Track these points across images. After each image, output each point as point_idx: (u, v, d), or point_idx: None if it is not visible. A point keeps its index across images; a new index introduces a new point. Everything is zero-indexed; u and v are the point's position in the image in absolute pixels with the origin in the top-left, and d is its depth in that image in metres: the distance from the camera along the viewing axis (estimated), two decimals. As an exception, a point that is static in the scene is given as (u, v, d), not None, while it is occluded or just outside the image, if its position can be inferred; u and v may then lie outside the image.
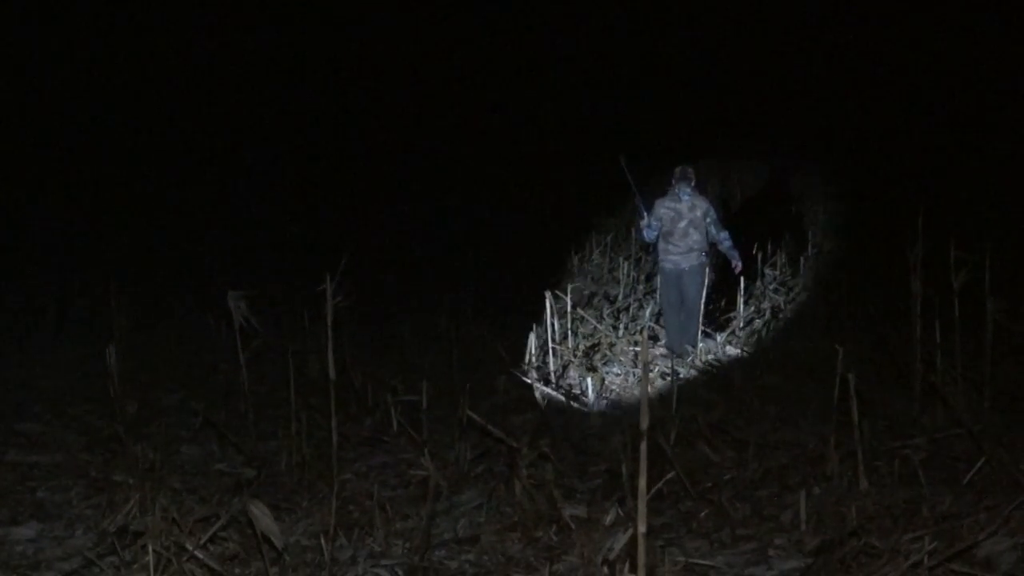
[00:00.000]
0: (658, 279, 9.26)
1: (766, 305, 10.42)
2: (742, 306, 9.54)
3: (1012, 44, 17.60)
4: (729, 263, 9.18)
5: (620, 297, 10.98)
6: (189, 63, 20.85)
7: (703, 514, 5.23)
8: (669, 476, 5.16)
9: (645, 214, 9.01)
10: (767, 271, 11.70)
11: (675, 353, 8.79)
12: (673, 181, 8.96)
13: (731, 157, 17.52)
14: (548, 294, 8.46)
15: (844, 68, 19.98)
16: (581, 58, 21.49)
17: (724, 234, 8.97)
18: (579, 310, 9.52)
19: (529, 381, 7.58)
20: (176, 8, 21.10)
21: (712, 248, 9.15)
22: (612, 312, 10.22)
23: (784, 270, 12.04)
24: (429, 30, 21.92)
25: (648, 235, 9.02)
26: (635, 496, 3.30)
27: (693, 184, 8.94)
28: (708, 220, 8.90)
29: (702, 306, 9.09)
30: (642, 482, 3.11)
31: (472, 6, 21.86)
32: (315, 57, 21.56)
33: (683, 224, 8.89)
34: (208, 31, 21.05)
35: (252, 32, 21.40)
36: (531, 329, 8.08)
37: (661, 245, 9.01)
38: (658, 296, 9.49)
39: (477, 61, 21.53)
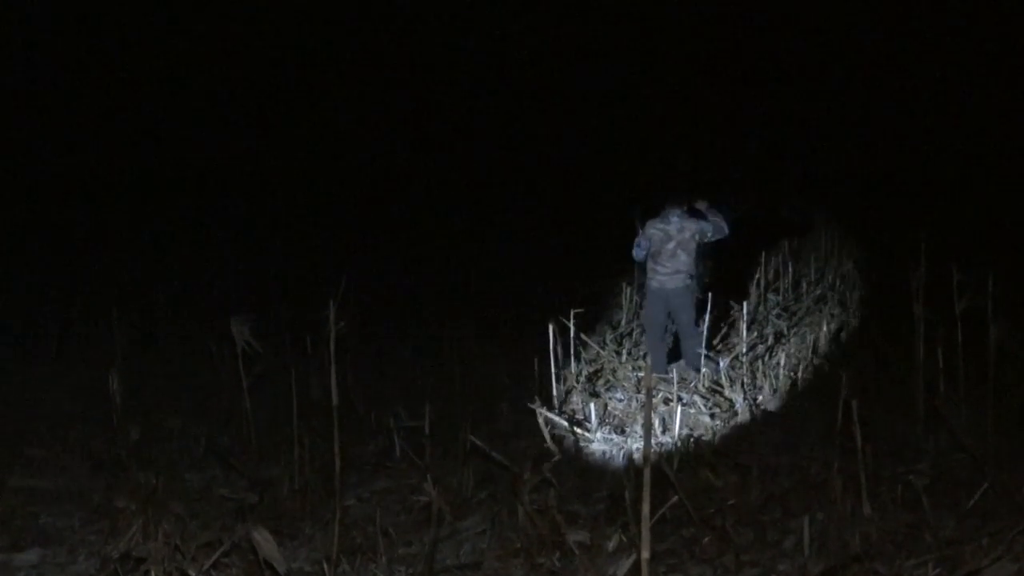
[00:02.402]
0: (644, 299, 9.32)
1: (769, 330, 10.41)
2: (745, 331, 9.54)
3: (1015, 65, 17.69)
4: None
5: (623, 322, 10.97)
6: (191, 83, 20.96)
7: (706, 540, 5.22)
8: (672, 501, 5.14)
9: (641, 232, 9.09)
10: (770, 296, 11.70)
11: (657, 373, 8.74)
12: (666, 204, 9.01)
13: (741, 188, 17.57)
14: (551, 319, 8.46)
15: (847, 94, 20.07)
16: (595, 88, 21.54)
17: (717, 225, 8.97)
18: (582, 335, 9.52)
19: (532, 406, 7.57)
20: (182, 28, 21.23)
21: (701, 267, 9.21)
22: (615, 337, 10.21)
23: (787, 295, 12.05)
24: (438, 50, 21.98)
25: (637, 254, 9.10)
26: (638, 522, 3.30)
27: (684, 209, 8.98)
28: (700, 236, 8.90)
29: (701, 329, 9.10)
30: (645, 507, 3.11)
31: (476, 28, 21.89)
32: (317, 74, 21.63)
33: (671, 245, 8.94)
34: (214, 47, 21.16)
35: (256, 50, 21.50)
36: (534, 354, 8.07)
37: (649, 264, 9.07)
38: (642, 315, 9.54)
39: (487, 82, 21.57)
